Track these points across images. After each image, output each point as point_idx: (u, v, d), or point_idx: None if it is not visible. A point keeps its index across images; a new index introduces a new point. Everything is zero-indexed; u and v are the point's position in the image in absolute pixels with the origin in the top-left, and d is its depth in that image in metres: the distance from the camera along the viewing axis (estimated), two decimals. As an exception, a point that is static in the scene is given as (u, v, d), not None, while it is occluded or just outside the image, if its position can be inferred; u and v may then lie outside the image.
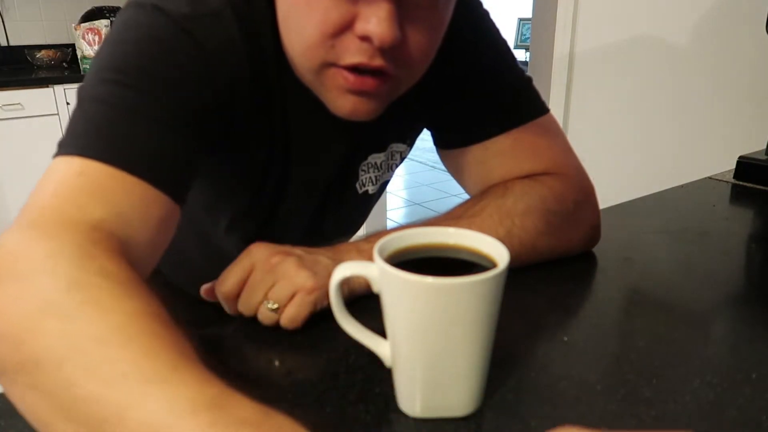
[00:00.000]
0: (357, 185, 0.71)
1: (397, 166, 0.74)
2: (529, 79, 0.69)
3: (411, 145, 0.74)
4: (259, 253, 0.53)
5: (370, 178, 0.71)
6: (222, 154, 0.59)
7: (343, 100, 0.52)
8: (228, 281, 0.52)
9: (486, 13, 0.68)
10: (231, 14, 0.52)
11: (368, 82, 0.50)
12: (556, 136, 0.69)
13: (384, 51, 0.48)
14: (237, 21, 0.52)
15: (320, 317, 0.52)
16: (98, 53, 0.50)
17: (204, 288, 0.54)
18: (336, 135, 0.64)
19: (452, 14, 0.65)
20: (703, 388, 0.44)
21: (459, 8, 0.65)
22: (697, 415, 0.41)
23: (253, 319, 0.52)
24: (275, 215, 0.68)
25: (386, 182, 0.76)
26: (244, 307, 0.52)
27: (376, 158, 0.70)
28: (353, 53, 0.48)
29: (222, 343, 0.51)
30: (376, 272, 0.40)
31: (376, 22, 0.45)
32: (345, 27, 0.48)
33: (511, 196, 0.62)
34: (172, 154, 0.47)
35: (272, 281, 0.51)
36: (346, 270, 0.41)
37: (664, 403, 0.42)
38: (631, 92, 1.84)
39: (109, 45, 0.50)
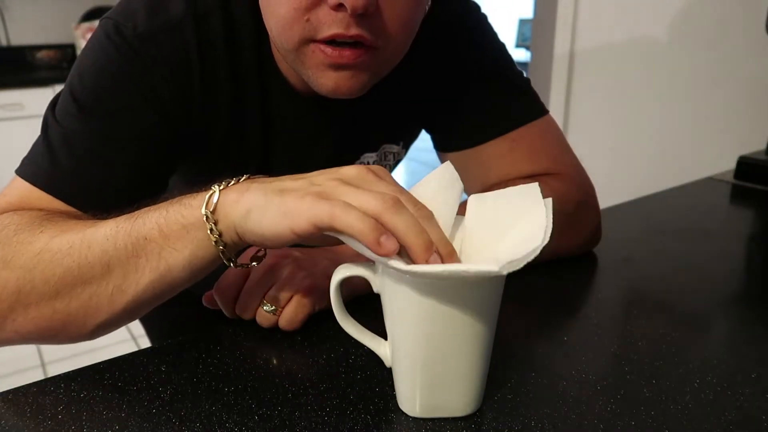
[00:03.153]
0: None
1: (391, 167, 0.74)
2: (527, 81, 0.69)
3: (406, 147, 0.74)
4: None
5: None
6: (200, 153, 0.61)
7: (324, 78, 0.52)
8: (225, 284, 0.52)
9: (484, 17, 0.68)
10: (191, 25, 0.54)
11: (347, 54, 0.49)
12: (555, 137, 0.69)
13: (360, 19, 0.47)
14: (196, 31, 0.54)
15: (320, 317, 0.52)
16: (70, 75, 0.55)
17: (205, 296, 0.54)
18: (323, 133, 0.64)
19: (449, 17, 0.65)
20: (703, 388, 0.44)
21: (456, 12, 0.65)
22: (697, 415, 0.41)
23: (253, 321, 0.52)
24: None
25: None
26: (242, 309, 0.52)
27: (369, 158, 0.70)
28: (329, 25, 0.48)
29: (221, 344, 0.51)
30: (376, 272, 0.40)
31: None
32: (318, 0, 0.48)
33: None
34: (99, 180, 0.53)
35: (270, 283, 0.51)
36: (346, 270, 0.41)
37: (664, 403, 0.42)
38: (631, 92, 1.84)
39: (76, 68, 0.55)
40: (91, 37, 0.55)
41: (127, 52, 0.52)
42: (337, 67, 0.50)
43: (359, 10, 0.46)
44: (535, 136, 0.67)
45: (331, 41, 0.49)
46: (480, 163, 0.67)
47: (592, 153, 1.52)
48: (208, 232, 0.42)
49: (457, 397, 0.40)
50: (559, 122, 1.94)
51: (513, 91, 0.68)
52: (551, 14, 1.88)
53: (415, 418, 0.41)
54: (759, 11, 1.33)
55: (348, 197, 0.38)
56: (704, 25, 1.65)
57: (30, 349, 2.01)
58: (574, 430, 0.40)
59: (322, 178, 0.40)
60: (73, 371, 0.47)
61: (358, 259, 0.42)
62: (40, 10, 2.89)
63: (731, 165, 1.00)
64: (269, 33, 0.54)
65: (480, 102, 0.66)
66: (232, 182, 0.43)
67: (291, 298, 0.51)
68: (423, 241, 0.37)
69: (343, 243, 0.39)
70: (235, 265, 0.45)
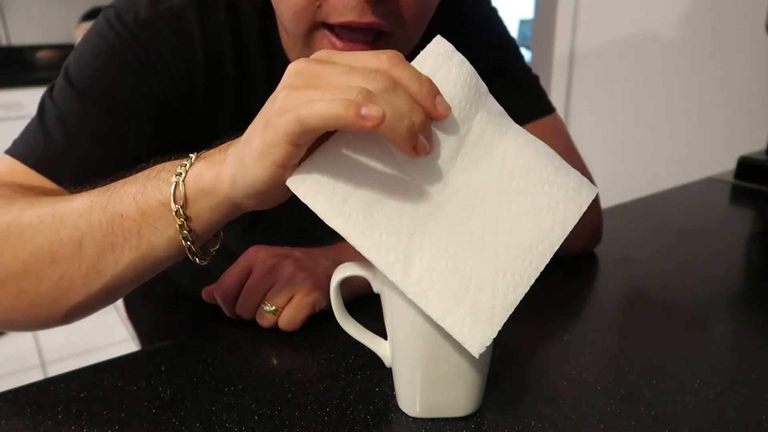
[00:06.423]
0: None
1: None
2: (535, 78, 0.69)
3: None
4: (257, 255, 0.53)
5: None
6: (201, 140, 0.59)
7: None
8: (226, 283, 0.52)
9: (494, 11, 0.67)
10: (194, 13, 0.53)
11: (358, 48, 0.47)
12: (561, 135, 0.69)
13: (375, 5, 0.45)
14: (200, 20, 0.53)
15: (320, 318, 0.52)
16: (69, 58, 0.54)
17: (205, 290, 0.54)
18: None
19: (459, 11, 0.64)
20: (703, 388, 0.44)
21: (464, 7, 0.65)
22: (697, 415, 0.41)
23: (253, 321, 0.52)
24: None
25: None
26: (243, 309, 0.52)
27: None
28: (341, 11, 0.45)
29: (221, 344, 0.51)
30: (376, 272, 0.40)
31: None
32: None
33: None
34: (90, 161, 0.51)
35: (270, 283, 0.51)
36: (346, 270, 0.41)
37: (664, 403, 0.42)
38: (631, 92, 1.84)
39: (76, 53, 0.54)
40: (92, 25, 0.54)
41: (127, 38, 0.51)
42: None
43: None
44: (541, 133, 0.67)
45: (345, 27, 0.47)
46: None
47: (592, 153, 1.51)
48: (177, 227, 0.40)
49: (457, 397, 0.40)
50: (559, 122, 1.94)
51: (520, 87, 0.67)
52: (551, 14, 1.88)
53: (415, 418, 0.41)
54: (759, 11, 1.33)
55: (311, 97, 0.34)
56: (704, 25, 1.65)
57: (30, 349, 2.01)
58: (574, 430, 0.40)
59: (274, 98, 0.36)
60: (73, 371, 0.47)
61: (358, 258, 0.42)
62: (40, 10, 2.89)
63: (731, 165, 1.00)
64: (279, 19, 0.52)
65: None
66: (201, 158, 0.41)
67: (291, 298, 0.51)
68: (405, 128, 0.34)
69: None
70: (199, 260, 0.43)
